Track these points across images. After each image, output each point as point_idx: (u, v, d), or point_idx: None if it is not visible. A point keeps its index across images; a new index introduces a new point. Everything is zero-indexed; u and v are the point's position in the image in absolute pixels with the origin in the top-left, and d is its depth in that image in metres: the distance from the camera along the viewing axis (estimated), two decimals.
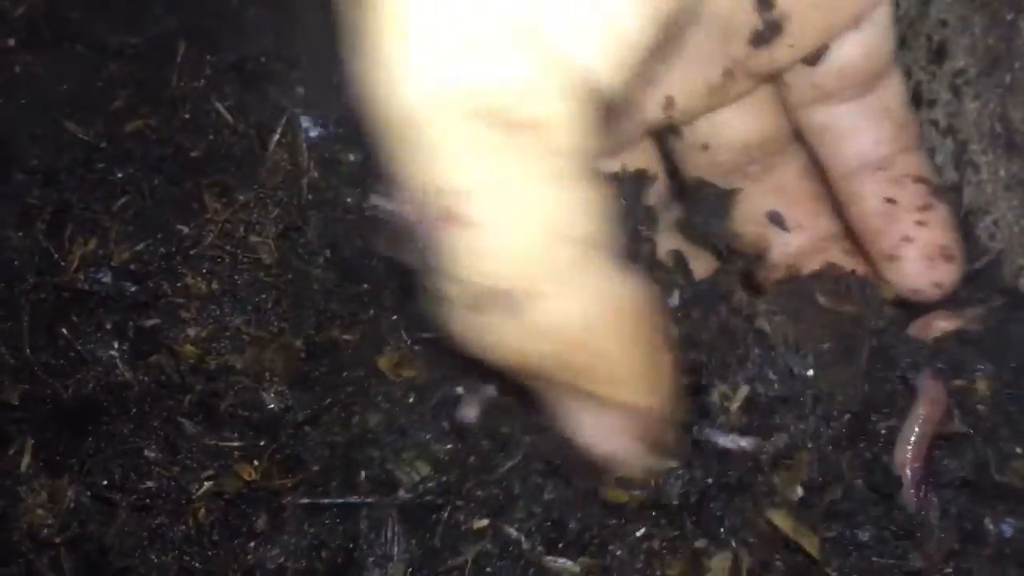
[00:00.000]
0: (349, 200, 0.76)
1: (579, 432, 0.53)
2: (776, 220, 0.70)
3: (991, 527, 0.58)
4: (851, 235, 0.70)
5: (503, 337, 0.45)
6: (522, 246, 0.43)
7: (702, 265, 0.71)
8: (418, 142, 0.41)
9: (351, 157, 0.78)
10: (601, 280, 0.46)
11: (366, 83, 0.42)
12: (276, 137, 0.74)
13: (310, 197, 0.75)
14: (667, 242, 0.70)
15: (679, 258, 0.67)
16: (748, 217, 0.70)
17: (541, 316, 0.44)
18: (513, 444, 0.60)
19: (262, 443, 0.68)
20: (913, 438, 0.57)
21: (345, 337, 0.72)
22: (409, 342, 0.67)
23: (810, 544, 0.55)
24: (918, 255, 0.65)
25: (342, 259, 0.75)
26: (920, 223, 0.65)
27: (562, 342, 0.46)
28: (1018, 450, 0.60)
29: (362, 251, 0.75)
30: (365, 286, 0.73)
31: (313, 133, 0.83)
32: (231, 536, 0.65)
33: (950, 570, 0.60)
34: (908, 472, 0.57)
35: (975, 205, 0.82)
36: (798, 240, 0.71)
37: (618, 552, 0.57)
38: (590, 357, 0.48)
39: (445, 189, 0.42)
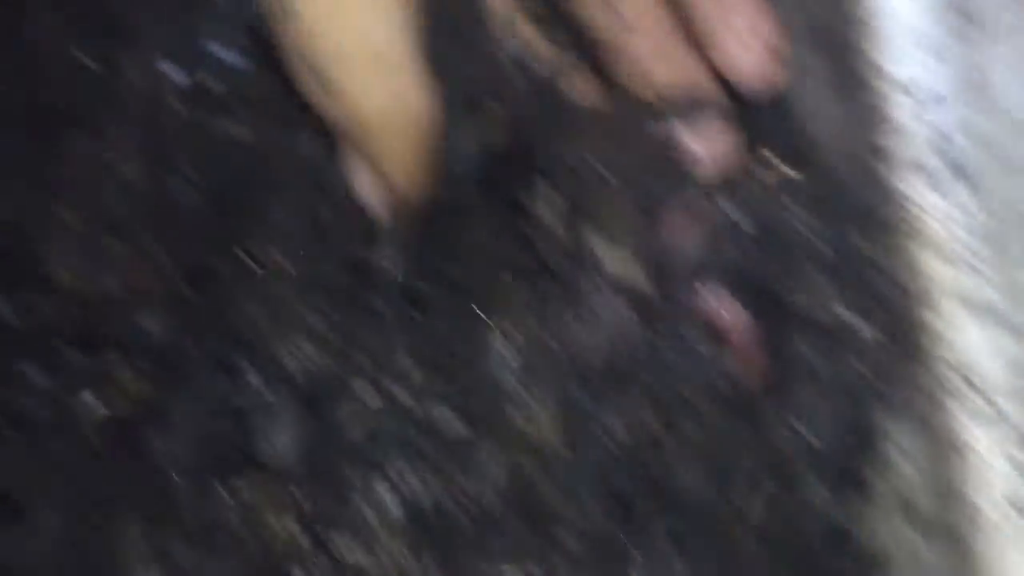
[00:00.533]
0: (215, 128, 0.78)
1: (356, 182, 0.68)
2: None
3: (813, 361, 0.65)
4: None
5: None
6: (338, 44, 0.56)
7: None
8: None
9: (217, 88, 0.80)
10: (399, 84, 0.58)
11: None
12: (131, 60, 0.75)
13: (176, 128, 0.76)
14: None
15: None
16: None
17: (348, 96, 0.59)
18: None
19: (146, 365, 0.69)
20: None
21: (223, 259, 0.74)
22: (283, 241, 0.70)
23: None
24: (743, 42, 0.70)
25: (215, 187, 0.77)
26: (742, 13, 0.70)
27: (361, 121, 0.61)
28: (819, 282, 0.68)
29: (235, 178, 0.77)
30: (240, 211, 0.76)
31: (180, 79, 0.85)
32: (120, 452, 0.66)
33: (784, 408, 0.68)
34: None
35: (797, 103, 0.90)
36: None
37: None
38: (377, 138, 0.62)
39: None
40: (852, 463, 0.77)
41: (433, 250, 0.72)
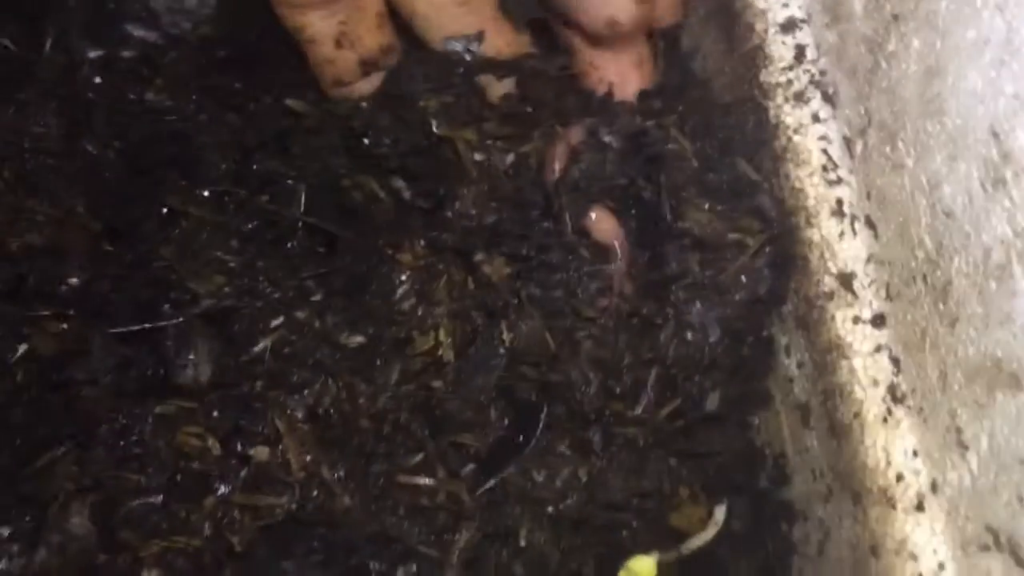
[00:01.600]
0: (132, 96, 0.83)
1: None
2: None
3: (675, 261, 0.71)
4: None
5: None
6: None
7: None
8: None
9: (131, 59, 0.85)
10: None
11: None
12: (51, 40, 0.80)
13: (91, 95, 0.81)
14: None
15: None
16: None
17: None
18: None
19: (69, 309, 0.74)
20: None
21: (142, 212, 0.78)
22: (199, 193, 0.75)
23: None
24: None
25: (131, 148, 0.82)
26: None
27: None
28: (703, 205, 0.73)
29: (149, 139, 0.82)
30: (158, 168, 0.80)
31: (98, 53, 0.90)
32: (46, 389, 0.70)
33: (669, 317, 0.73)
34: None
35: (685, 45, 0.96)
36: None
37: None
38: None
39: None
40: (747, 370, 0.83)
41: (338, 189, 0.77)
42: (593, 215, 0.73)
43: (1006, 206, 0.59)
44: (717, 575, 0.84)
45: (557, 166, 0.72)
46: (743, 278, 0.74)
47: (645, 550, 0.77)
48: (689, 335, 0.73)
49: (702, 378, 0.78)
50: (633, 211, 0.75)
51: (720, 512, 0.83)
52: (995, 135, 0.59)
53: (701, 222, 0.73)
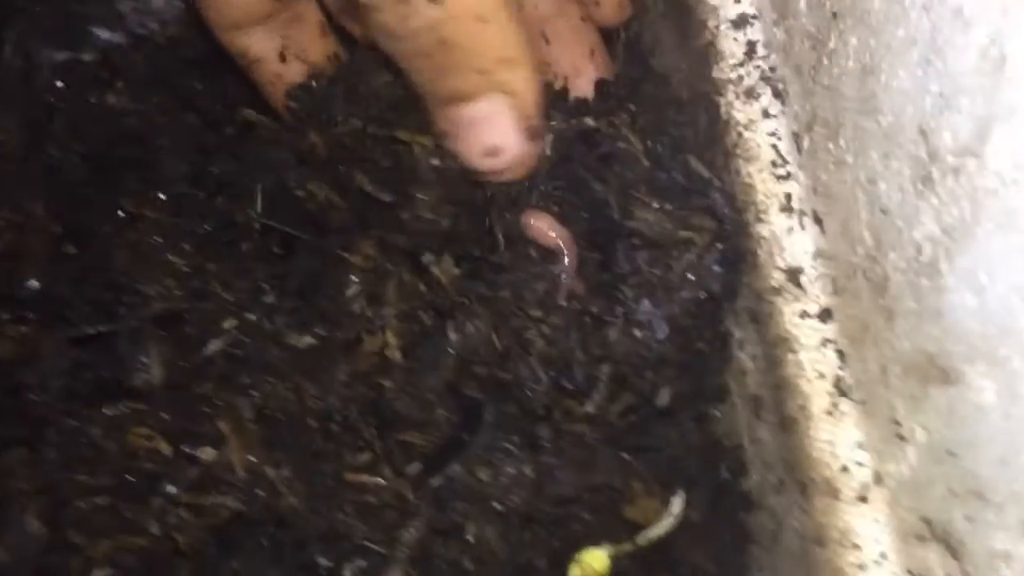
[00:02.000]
0: (93, 99, 0.84)
1: None
2: None
3: (624, 260, 0.71)
4: None
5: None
6: None
7: None
8: None
9: (94, 62, 0.86)
10: None
11: None
12: (10, 46, 0.81)
13: (51, 99, 0.82)
14: None
15: None
16: None
17: None
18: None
19: (30, 314, 0.75)
20: None
21: (100, 215, 0.80)
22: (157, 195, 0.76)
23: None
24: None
25: (92, 151, 0.83)
26: None
27: None
28: (652, 203, 0.73)
29: (109, 142, 0.83)
30: (116, 170, 0.82)
31: (60, 57, 0.91)
32: (3, 391, 0.72)
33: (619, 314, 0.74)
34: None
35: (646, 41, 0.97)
36: None
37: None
38: None
39: None
40: (701, 364, 0.83)
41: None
42: (531, 222, 0.73)
43: (934, 204, 0.60)
44: (673, 565, 0.85)
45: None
46: (691, 275, 0.75)
47: (598, 543, 0.78)
48: (638, 332, 0.74)
49: (653, 374, 0.78)
50: (584, 213, 0.76)
51: (677, 503, 0.84)
52: (923, 134, 0.60)
53: (650, 221, 0.74)
